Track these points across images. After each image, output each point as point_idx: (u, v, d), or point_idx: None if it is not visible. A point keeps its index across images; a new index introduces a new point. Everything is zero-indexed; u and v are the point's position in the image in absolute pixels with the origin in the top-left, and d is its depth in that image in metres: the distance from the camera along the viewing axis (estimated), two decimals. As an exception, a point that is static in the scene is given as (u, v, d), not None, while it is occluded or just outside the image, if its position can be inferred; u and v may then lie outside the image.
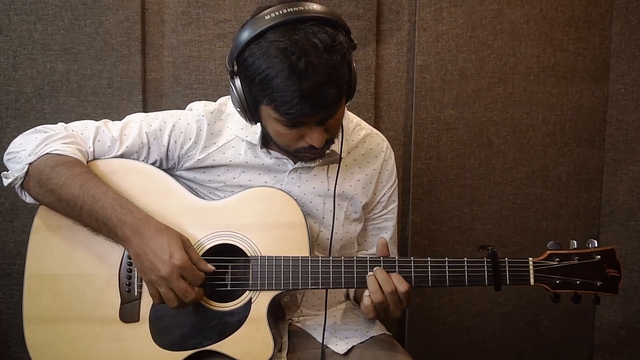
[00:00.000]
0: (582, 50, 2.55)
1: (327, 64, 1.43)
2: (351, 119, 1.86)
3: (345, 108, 1.70)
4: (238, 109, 1.59)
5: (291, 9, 1.45)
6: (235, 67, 1.53)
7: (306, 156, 1.67)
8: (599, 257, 1.61)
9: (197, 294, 1.54)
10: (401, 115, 2.52)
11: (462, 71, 2.49)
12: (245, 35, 1.47)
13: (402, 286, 1.56)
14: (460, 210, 2.57)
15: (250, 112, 1.57)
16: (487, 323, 2.65)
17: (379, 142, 1.88)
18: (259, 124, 1.64)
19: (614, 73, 2.57)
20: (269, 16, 1.45)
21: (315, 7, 1.48)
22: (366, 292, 1.59)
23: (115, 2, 2.29)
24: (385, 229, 1.92)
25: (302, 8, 1.46)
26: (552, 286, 1.61)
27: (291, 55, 1.42)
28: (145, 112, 2.26)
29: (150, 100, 2.38)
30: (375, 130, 1.91)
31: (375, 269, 1.59)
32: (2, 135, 2.27)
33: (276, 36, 1.44)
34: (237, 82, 1.54)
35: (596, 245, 1.62)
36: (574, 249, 1.62)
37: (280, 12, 1.45)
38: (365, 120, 1.92)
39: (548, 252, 1.62)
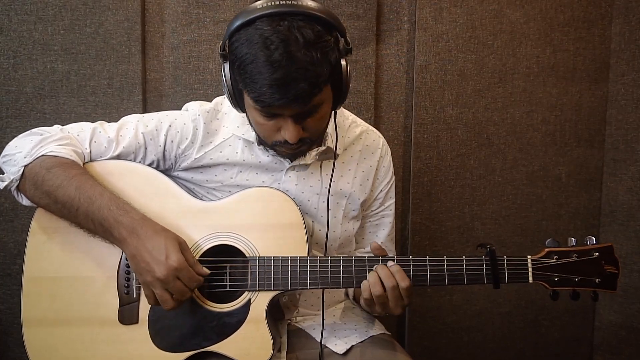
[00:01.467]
0: (582, 50, 2.55)
1: (304, 58, 1.43)
2: (347, 116, 1.86)
3: (342, 107, 1.70)
4: (227, 95, 1.60)
5: (284, 2, 1.46)
6: (227, 52, 1.54)
7: (282, 151, 1.67)
8: (597, 254, 1.61)
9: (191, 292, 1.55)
10: (401, 115, 2.52)
11: (462, 71, 2.49)
12: (237, 21, 1.49)
13: (404, 282, 1.56)
14: (460, 210, 2.57)
15: (236, 99, 1.58)
16: (487, 323, 2.65)
17: (375, 138, 1.89)
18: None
19: (614, 73, 2.57)
20: (261, 5, 1.47)
21: (311, 4, 1.49)
22: (365, 282, 1.59)
23: (115, 2, 2.29)
24: (382, 226, 1.93)
25: (296, 2, 1.47)
26: (550, 284, 1.61)
27: (270, 44, 1.43)
28: (146, 112, 2.26)
29: (150, 100, 2.38)
30: (371, 127, 1.91)
31: (376, 266, 1.59)
32: (2, 135, 2.27)
33: (263, 25, 1.45)
34: (227, 67, 1.55)
35: (594, 242, 1.61)
36: (572, 246, 1.62)
37: (273, 2, 1.46)
38: (365, 120, 1.93)
39: (546, 249, 1.62)
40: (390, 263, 1.59)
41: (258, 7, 1.47)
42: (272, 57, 1.42)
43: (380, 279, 1.57)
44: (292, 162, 1.74)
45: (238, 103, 1.60)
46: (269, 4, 1.46)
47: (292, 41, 1.43)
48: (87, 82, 2.31)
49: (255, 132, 1.67)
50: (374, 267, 1.59)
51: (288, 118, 1.53)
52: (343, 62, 1.54)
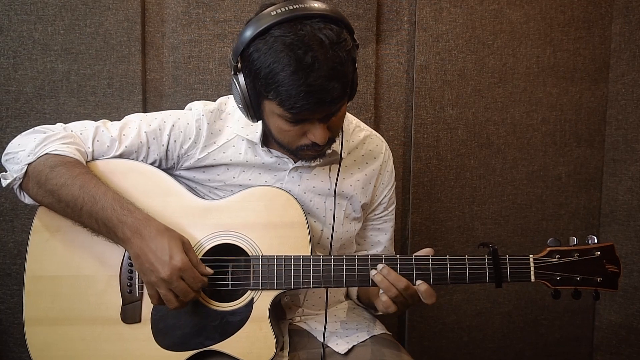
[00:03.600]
0: (582, 50, 2.56)
1: (333, 59, 1.44)
2: (350, 120, 1.87)
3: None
4: (240, 106, 1.59)
5: (297, 6, 1.46)
6: (239, 63, 1.53)
7: (308, 154, 1.67)
8: (599, 253, 1.61)
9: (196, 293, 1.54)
10: (401, 115, 2.52)
11: (462, 71, 2.49)
12: (251, 31, 1.48)
13: (422, 286, 1.57)
14: (460, 210, 2.57)
15: (253, 109, 1.57)
16: (487, 323, 2.65)
17: (378, 143, 1.89)
18: (259, 122, 1.65)
19: (614, 73, 2.57)
20: (275, 12, 1.46)
21: (321, 5, 1.49)
22: (381, 290, 1.59)
23: (115, 2, 2.29)
24: (384, 230, 1.93)
25: (308, 5, 1.47)
26: (552, 283, 1.61)
27: (297, 49, 1.42)
28: (146, 112, 2.26)
29: (150, 100, 2.38)
30: (374, 132, 1.91)
31: (380, 267, 1.58)
32: (2, 135, 2.27)
33: (282, 31, 1.44)
34: (241, 78, 1.54)
35: (596, 241, 1.62)
36: (574, 245, 1.62)
37: (286, 8, 1.46)
38: (365, 120, 1.93)
39: (548, 248, 1.62)
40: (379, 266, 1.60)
41: (272, 14, 1.46)
42: (302, 62, 1.42)
43: (389, 282, 1.57)
44: (295, 163, 1.74)
45: (255, 113, 1.59)
46: (282, 9, 1.46)
47: (318, 44, 1.44)
48: (87, 82, 2.31)
49: (275, 139, 1.64)
50: (377, 266, 1.59)
51: (316, 121, 1.54)
52: None
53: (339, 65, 1.45)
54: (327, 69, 1.43)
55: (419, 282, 1.57)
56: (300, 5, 1.47)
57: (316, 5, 1.48)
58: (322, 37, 1.44)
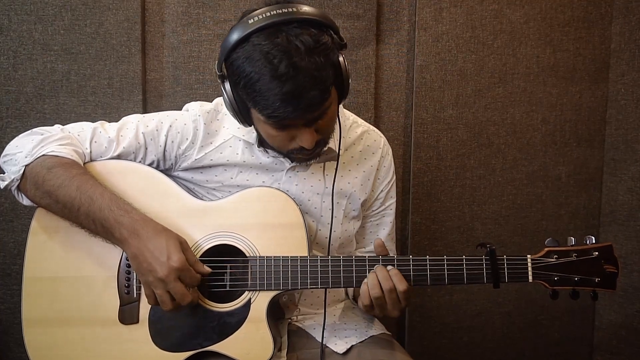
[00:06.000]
0: (582, 50, 2.55)
1: (309, 66, 1.43)
2: (347, 117, 1.86)
3: (342, 107, 1.70)
4: (231, 112, 1.60)
5: (275, 12, 1.46)
6: (225, 72, 1.54)
7: (299, 157, 1.68)
8: (597, 253, 1.61)
9: (193, 296, 1.54)
10: (401, 115, 2.52)
11: (462, 71, 2.49)
12: (232, 39, 1.48)
13: (401, 285, 1.57)
14: (460, 210, 2.57)
15: (242, 115, 1.58)
16: (487, 323, 2.64)
17: (376, 138, 1.89)
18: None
19: (613, 73, 2.57)
20: (252, 20, 1.46)
21: (300, 8, 1.48)
22: (364, 286, 1.59)
23: (115, 2, 2.29)
24: (383, 225, 1.93)
25: (286, 10, 1.46)
26: (550, 283, 1.61)
27: (273, 58, 1.42)
28: (146, 112, 2.27)
29: (150, 100, 2.38)
30: (372, 127, 1.91)
31: (376, 266, 1.59)
32: (2, 135, 2.27)
33: (259, 40, 1.44)
34: (227, 85, 1.55)
35: (594, 241, 1.62)
36: (572, 245, 1.62)
37: (264, 15, 1.45)
38: (365, 120, 1.92)
39: (546, 249, 1.62)
40: (388, 267, 1.60)
41: (250, 22, 1.46)
42: (278, 71, 1.41)
43: (378, 281, 1.57)
44: (292, 162, 1.74)
45: (245, 119, 1.59)
46: (260, 17, 1.46)
47: (294, 51, 1.42)
48: (87, 82, 2.31)
49: (259, 137, 1.66)
50: (375, 267, 1.59)
51: (302, 126, 1.54)
52: (340, 58, 1.54)
53: (316, 72, 1.44)
54: (304, 77, 1.42)
55: (397, 278, 1.58)
56: (278, 11, 1.46)
57: (294, 9, 1.47)
58: (298, 43, 1.43)
